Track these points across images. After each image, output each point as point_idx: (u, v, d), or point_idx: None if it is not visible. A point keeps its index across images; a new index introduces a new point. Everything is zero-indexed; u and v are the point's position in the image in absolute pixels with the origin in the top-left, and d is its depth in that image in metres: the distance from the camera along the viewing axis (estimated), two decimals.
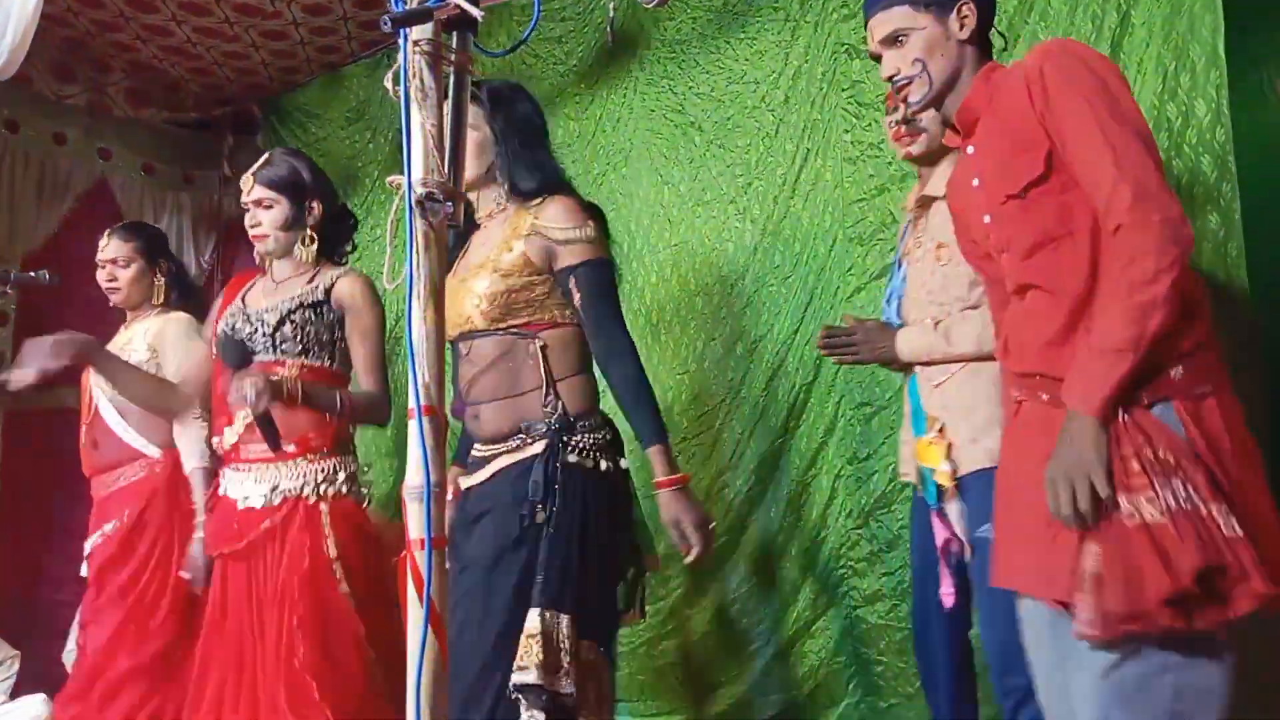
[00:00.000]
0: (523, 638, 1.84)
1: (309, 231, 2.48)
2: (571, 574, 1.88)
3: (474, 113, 2.00)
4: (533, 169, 2.06)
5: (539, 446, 1.96)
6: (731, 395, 3.32)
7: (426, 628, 1.36)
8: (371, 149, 4.49)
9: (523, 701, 1.83)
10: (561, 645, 1.85)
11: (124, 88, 4.71)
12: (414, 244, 1.44)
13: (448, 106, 1.51)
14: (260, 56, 4.49)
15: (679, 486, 1.95)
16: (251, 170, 2.51)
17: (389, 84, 1.50)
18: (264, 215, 2.46)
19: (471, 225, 2.15)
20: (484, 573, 1.92)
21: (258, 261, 2.60)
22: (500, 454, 2.00)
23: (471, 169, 2.03)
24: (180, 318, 2.85)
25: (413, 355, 1.42)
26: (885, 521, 2.96)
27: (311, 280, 2.46)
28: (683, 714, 3.35)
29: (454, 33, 1.53)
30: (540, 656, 1.81)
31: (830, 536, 3.08)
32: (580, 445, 1.97)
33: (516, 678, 1.82)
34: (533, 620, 1.85)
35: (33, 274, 2.87)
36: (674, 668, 3.37)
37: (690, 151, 3.53)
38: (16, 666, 3.88)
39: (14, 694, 3.84)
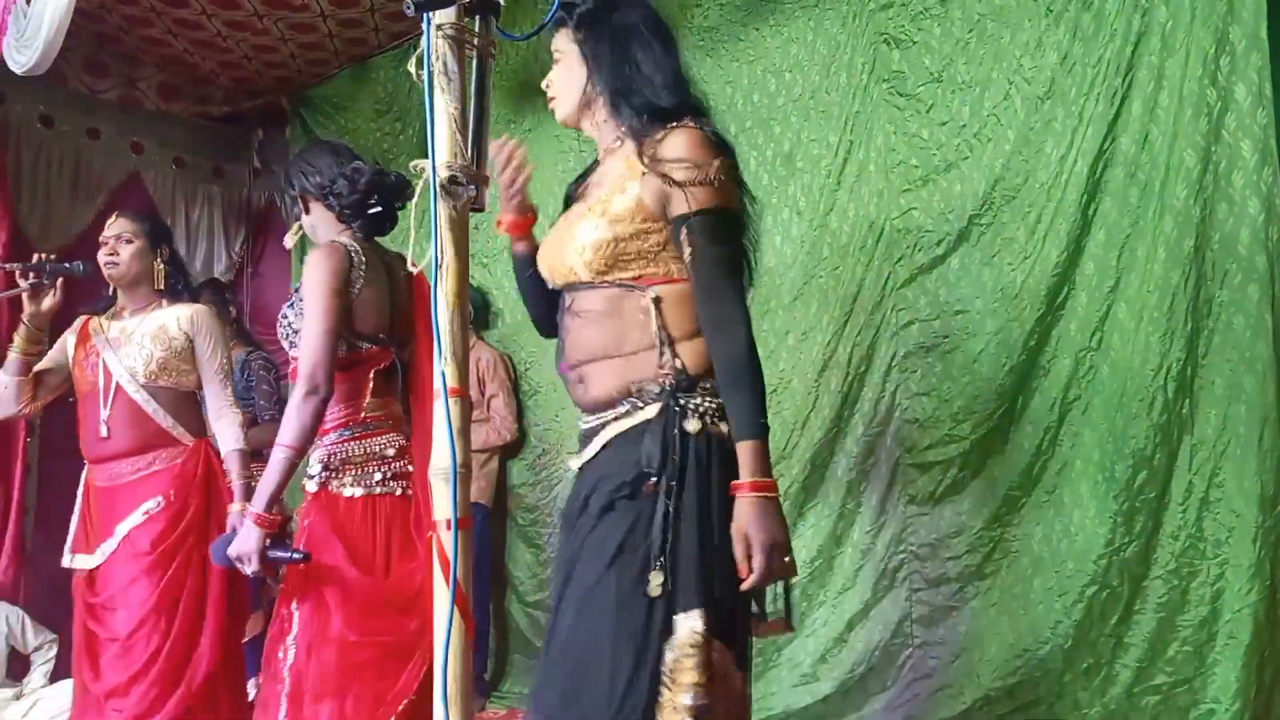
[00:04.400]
0: (678, 646, 1.51)
1: (332, 213, 2.45)
2: (697, 561, 1.55)
3: (560, 36, 1.79)
4: (645, 94, 1.72)
5: (652, 410, 1.63)
6: (783, 387, 3.30)
7: (453, 608, 1.36)
8: (402, 140, 4.52)
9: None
10: (686, 649, 1.52)
11: (155, 82, 4.78)
12: (438, 227, 1.44)
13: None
14: (289, 49, 4.53)
15: (762, 495, 1.54)
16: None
17: (412, 68, 1.50)
18: (302, 218, 2.47)
19: (594, 164, 1.86)
20: (597, 560, 1.60)
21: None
22: (609, 422, 1.69)
23: (564, 105, 1.80)
24: (208, 310, 2.89)
25: (439, 337, 1.42)
26: (945, 510, 2.94)
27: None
28: None
29: (477, 17, 1.53)
30: (698, 675, 1.50)
31: (890, 523, 3.07)
32: (702, 410, 1.61)
33: (688, 698, 1.49)
34: (684, 628, 1.53)
35: (67, 264, 2.88)
36: None
37: None
38: (55, 650, 3.95)
39: (53, 677, 3.91)
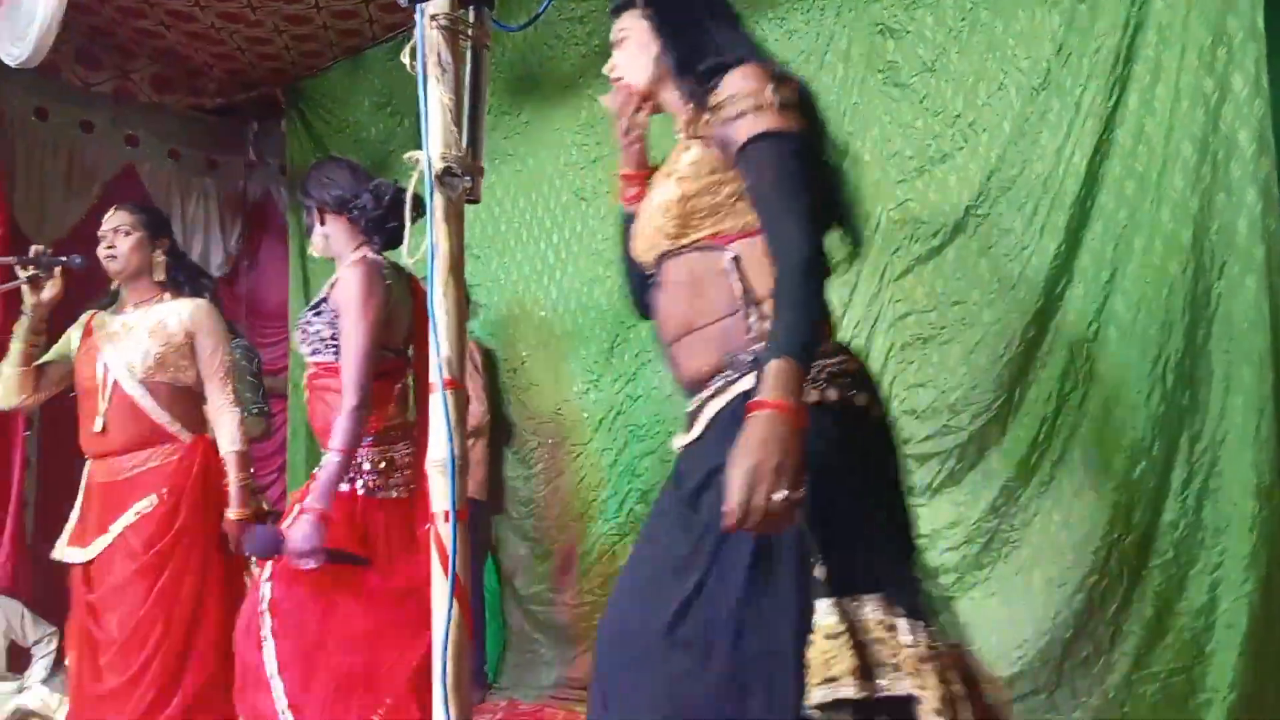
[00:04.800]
0: (819, 641, 1.34)
1: (350, 228, 2.50)
2: (849, 540, 1.38)
3: (625, 16, 1.74)
4: (704, 53, 1.62)
5: (746, 382, 1.45)
6: None
7: (452, 600, 1.36)
8: (399, 132, 4.50)
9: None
10: (873, 635, 1.36)
11: (149, 74, 4.76)
12: (433, 218, 1.44)
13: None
14: (283, 41, 4.51)
15: (770, 412, 1.29)
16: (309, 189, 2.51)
17: (406, 59, 1.49)
18: (319, 229, 2.49)
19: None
20: (711, 557, 1.44)
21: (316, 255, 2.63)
22: (707, 401, 1.53)
23: (639, 78, 1.73)
24: (209, 305, 2.84)
25: (434, 329, 1.42)
26: (943, 501, 2.94)
27: (331, 281, 2.48)
28: None
29: (471, 8, 1.53)
30: (854, 662, 1.32)
31: None
32: (810, 376, 1.41)
33: (821, 694, 1.32)
34: (826, 616, 1.35)
35: (64, 258, 2.88)
36: None
37: None
38: (55, 644, 3.95)
39: (54, 670, 3.91)
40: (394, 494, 2.37)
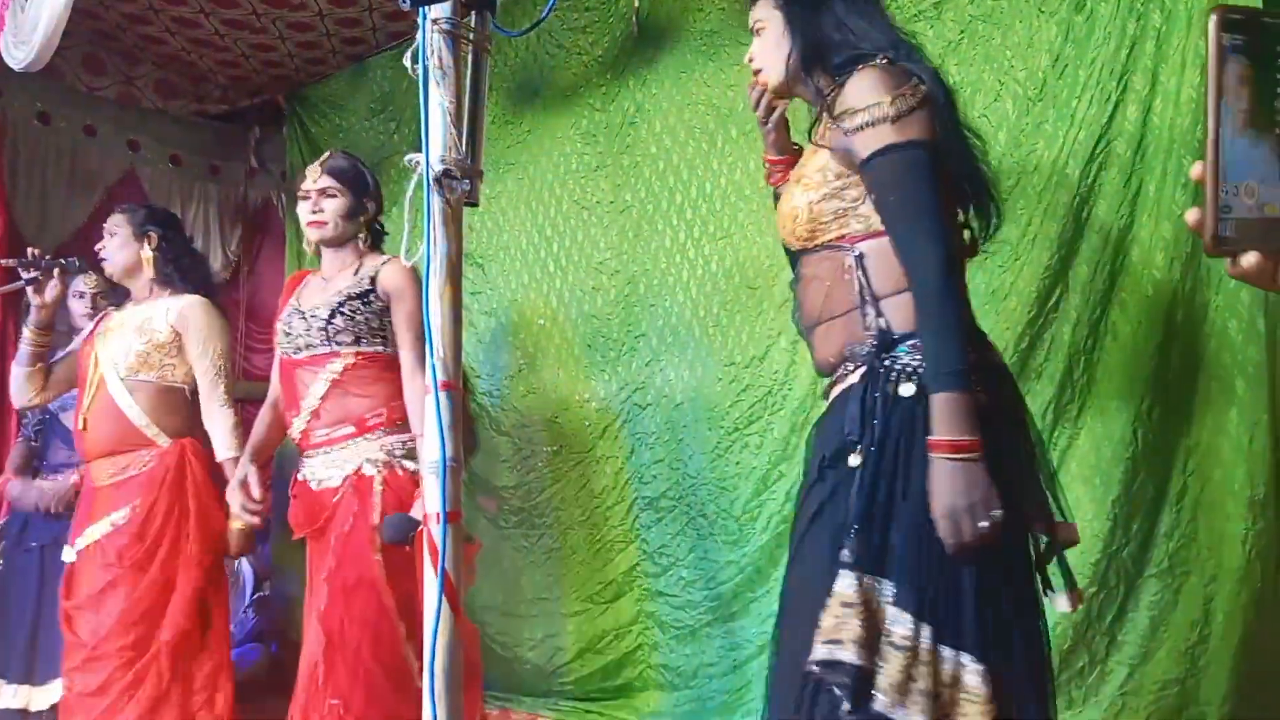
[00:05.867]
0: (831, 604, 1.42)
1: (364, 225, 2.59)
2: (889, 528, 1.44)
3: (760, 6, 1.75)
4: (836, 46, 1.62)
5: (857, 374, 1.55)
6: (779, 387, 3.31)
7: (441, 600, 1.37)
8: (396, 139, 4.52)
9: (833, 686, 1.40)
10: (881, 618, 1.42)
11: (153, 80, 4.78)
12: (431, 221, 1.45)
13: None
14: (286, 48, 4.53)
15: (948, 456, 1.38)
16: (318, 161, 2.59)
17: (408, 62, 1.51)
18: (327, 203, 2.52)
19: None
20: (804, 532, 1.56)
21: (309, 251, 2.65)
22: (833, 384, 1.64)
23: (772, 75, 1.74)
24: (201, 301, 2.82)
25: (430, 331, 1.43)
26: None
27: (357, 272, 2.53)
28: None
29: (473, 12, 1.54)
30: (859, 630, 1.39)
31: None
32: (903, 369, 1.49)
33: (823, 651, 1.40)
34: (844, 584, 1.42)
35: (63, 260, 2.90)
36: None
37: (727, 145, 3.51)
38: None
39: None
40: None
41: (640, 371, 3.70)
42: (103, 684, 2.63)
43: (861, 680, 1.39)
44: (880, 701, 1.38)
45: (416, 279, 2.42)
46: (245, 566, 4.58)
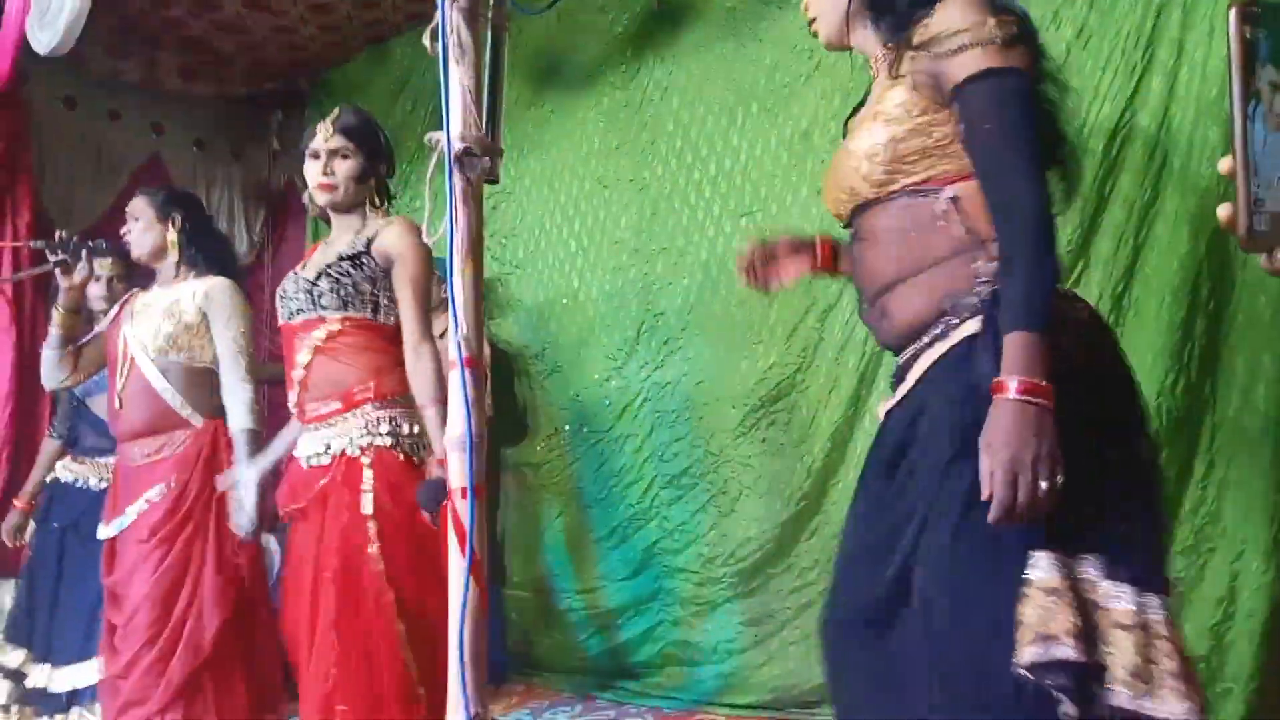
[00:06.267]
0: (1032, 594, 1.22)
1: (374, 188, 2.44)
2: (1073, 496, 1.24)
3: None
4: None
5: (973, 325, 1.34)
6: (805, 364, 3.31)
7: (469, 577, 1.38)
8: (413, 119, 4.53)
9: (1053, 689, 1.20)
10: (1090, 597, 1.23)
11: (176, 64, 4.80)
12: (453, 198, 1.46)
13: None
14: (308, 31, 4.54)
15: (1021, 399, 1.22)
16: (329, 118, 2.42)
17: (427, 41, 1.51)
18: (339, 165, 2.38)
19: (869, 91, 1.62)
20: (953, 514, 1.30)
21: (312, 213, 2.59)
22: (922, 350, 1.42)
23: (827, 24, 1.60)
24: (225, 283, 2.83)
25: (454, 307, 1.44)
26: None
27: (359, 233, 2.39)
28: None
29: None
30: (1074, 621, 1.20)
31: None
32: None
33: (1033, 653, 1.19)
34: (1044, 569, 1.23)
35: (89, 242, 2.94)
36: None
37: (747, 121, 3.49)
38: None
39: None
40: (419, 455, 2.31)
41: (660, 350, 3.71)
42: (130, 661, 2.65)
43: (1087, 676, 1.20)
44: (1121, 695, 1.19)
45: (420, 241, 2.25)
46: (274, 544, 4.62)
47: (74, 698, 3.05)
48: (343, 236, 2.41)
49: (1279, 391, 2.39)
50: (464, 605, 1.39)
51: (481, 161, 1.48)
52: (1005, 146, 1.32)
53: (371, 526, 2.21)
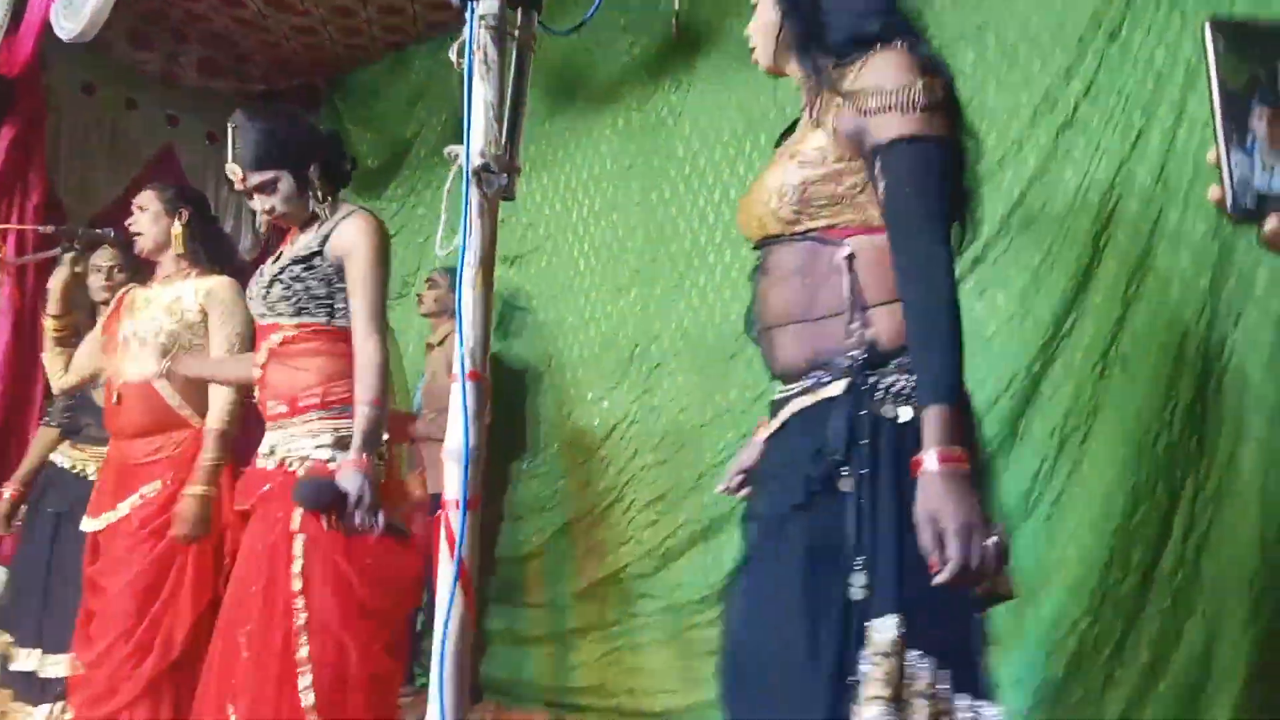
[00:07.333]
0: (869, 654, 1.28)
1: (317, 182, 2.28)
2: (895, 563, 1.31)
3: None
4: (843, 28, 1.50)
5: (837, 388, 1.41)
6: None
7: (455, 587, 1.39)
8: (425, 131, 4.57)
9: None
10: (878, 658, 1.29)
11: (196, 58, 4.84)
12: (468, 213, 1.48)
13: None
14: (328, 32, 4.59)
15: (953, 468, 1.27)
16: (232, 155, 2.27)
17: (453, 56, 1.53)
18: (272, 197, 2.26)
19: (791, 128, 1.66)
20: (786, 560, 1.39)
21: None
22: (794, 395, 1.48)
23: (762, 53, 1.65)
24: (228, 281, 2.82)
25: (461, 321, 1.45)
26: None
27: (317, 230, 2.28)
28: None
29: (519, 9, 1.57)
30: (896, 682, 1.27)
31: None
32: (894, 389, 1.37)
33: (875, 710, 1.26)
34: (885, 629, 1.28)
35: (99, 230, 2.95)
36: None
37: (755, 151, 3.53)
38: None
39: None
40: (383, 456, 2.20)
41: (651, 374, 3.73)
42: (104, 651, 2.63)
43: None
44: None
45: (374, 233, 2.20)
46: None
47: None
48: (304, 235, 2.32)
49: (1263, 451, 2.40)
50: (448, 616, 1.40)
51: (499, 178, 1.50)
52: (923, 213, 1.36)
53: (298, 543, 2.12)
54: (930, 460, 1.27)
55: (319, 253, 2.23)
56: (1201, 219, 2.52)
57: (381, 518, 2.04)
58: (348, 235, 2.21)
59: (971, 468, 1.29)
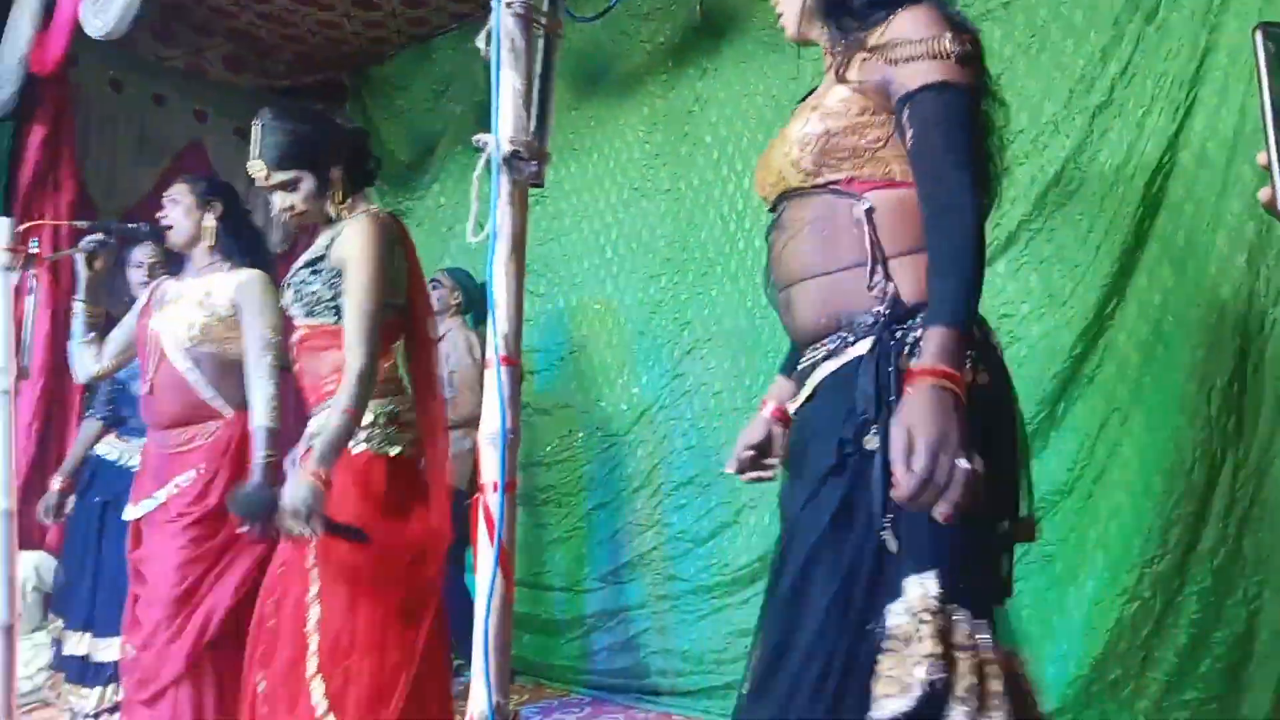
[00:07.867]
0: (910, 612, 1.26)
1: (338, 183, 2.32)
2: (924, 517, 1.23)
3: None
4: None
5: (863, 346, 1.39)
6: None
7: (496, 569, 1.40)
8: (451, 122, 4.58)
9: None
10: (926, 615, 1.25)
11: (221, 53, 4.88)
12: (498, 200, 1.48)
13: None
14: (352, 26, 4.60)
15: (940, 384, 1.22)
16: (254, 151, 2.28)
17: (481, 44, 1.54)
18: (291, 197, 2.30)
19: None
20: (819, 521, 1.36)
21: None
22: (820, 360, 1.45)
23: (788, 21, 1.65)
24: (259, 275, 2.82)
25: (493, 307, 1.46)
26: None
27: (329, 233, 2.32)
28: None
29: None
30: (940, 644, 1.24)
31: None
32: (919, 343, 1.32)
33: (921, 670, 1.23)
34: (923, 587, 1.26)
35: (131, 225, 2.97)
36: None
37: None
38: None
39: None
40: (402, 451, 2.28)
41: (681, 359, 3.74)
42: (150, 632, 2.69)
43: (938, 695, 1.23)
44: (961, 713, 1.22)
45: (375, 240, 2.19)
46: None
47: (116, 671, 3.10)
48: (320, 236, 2.36)
49: None
50: (490, 599, 1.41)
51: (529, 165, 1.50)
52: (950, 157, 1.34)
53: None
54: (920, 374, 1.24)
55: (324, 257, 2.26)
56: (1237, 198, 2.49)
57: (318, 525, 2.04)
58: (348, 242, 2.22)
59: (972, 404, 1.24)
